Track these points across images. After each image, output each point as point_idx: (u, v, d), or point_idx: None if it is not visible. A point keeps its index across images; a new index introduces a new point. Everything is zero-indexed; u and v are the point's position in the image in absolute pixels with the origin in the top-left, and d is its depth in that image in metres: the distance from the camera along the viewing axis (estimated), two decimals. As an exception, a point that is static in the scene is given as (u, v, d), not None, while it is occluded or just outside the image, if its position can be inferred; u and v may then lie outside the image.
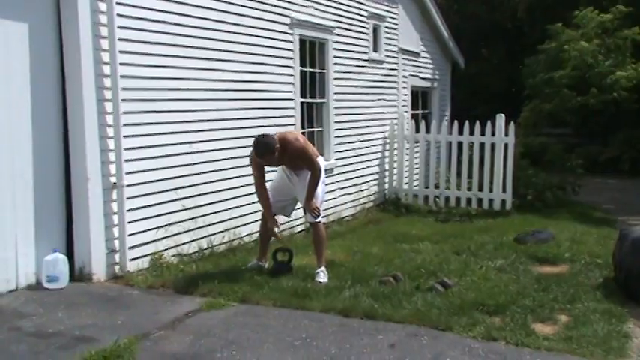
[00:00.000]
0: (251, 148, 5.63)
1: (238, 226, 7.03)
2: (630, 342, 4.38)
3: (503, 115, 10.00)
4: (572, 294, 5.37)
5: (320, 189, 5.83)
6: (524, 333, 4.36)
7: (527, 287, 5.54)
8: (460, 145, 10.28)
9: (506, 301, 5.03)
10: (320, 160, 5.90)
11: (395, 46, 11.26)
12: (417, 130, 10.70)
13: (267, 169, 5.81)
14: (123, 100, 5.62)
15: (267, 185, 5.89)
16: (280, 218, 6.24)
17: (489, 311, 4.83)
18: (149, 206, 6.00)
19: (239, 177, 6.91)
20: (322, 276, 5.69)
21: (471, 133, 10.14)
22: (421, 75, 12.72)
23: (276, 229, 5.89)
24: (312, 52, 8.73)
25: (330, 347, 4.09)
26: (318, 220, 5.80)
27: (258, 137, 5.59)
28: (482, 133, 10.03)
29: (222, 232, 6.91)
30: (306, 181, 5.72)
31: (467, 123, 10.21)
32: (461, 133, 10.27)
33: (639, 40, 14.03)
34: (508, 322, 4.57)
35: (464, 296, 5.14)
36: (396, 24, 11.28)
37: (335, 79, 9.15)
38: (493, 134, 9.93)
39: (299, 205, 6.03)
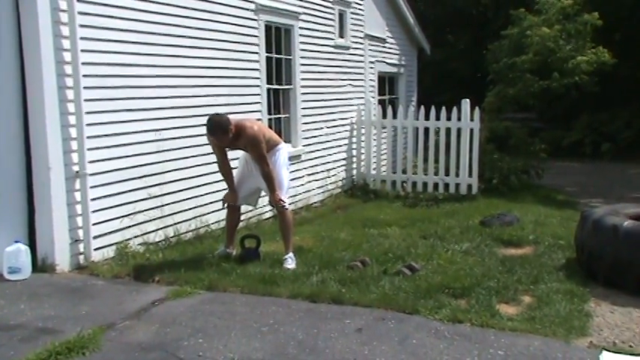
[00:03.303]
0: None
1: (205, 214, 6.98)
2: (591, 321, 4.48)
3: (468, 100, 10.08)
4: (536, 275, 5.47)
5: (284, 176, 5.85)
6: (489, 314, 4.43)
7: (492, 269, 5.62)
8: (427, 130, 10.34)
9: (472, 283, 5.10)
10: (283, 147, 5.93)
11: (361, 32, 11.25)
12: (384, 116, 10.73)
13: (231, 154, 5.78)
14: (85, 87, 5.52)
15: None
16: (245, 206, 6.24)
17: (455, 294, 4.90)
18: (114, 195, 5.92)
19: (206, 164, 6.85)
20: (290, 262, 5.69)
21: (438, 118, 10.21)
22: (388, 61, 12.75)
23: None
24: (278, 38, 8.67)
25: (298, 333, 4.09)
26: (284, 206, 5.79)
27: (212, 115, 5.64)
28: (449, 119, 10.10)
29: (189, 220, 6.86)
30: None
31: (433, 108, 10.27)
32: (427, 118, 10.32)
33: (599, 24, 14.25)
34: (473, 305, 4.64)
35: (430, 280, 5.19)
36: (362, 10, 11.26)
37: (301, 65, 9.11)
38: (459, 119, 10.01)
39: (264, 192, 6.01)
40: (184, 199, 6.78)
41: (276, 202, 5.76)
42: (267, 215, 8.00)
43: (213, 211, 6.92)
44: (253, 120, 6.09)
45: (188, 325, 4.22)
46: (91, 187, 5.63)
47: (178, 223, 6.69)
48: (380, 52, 12.26)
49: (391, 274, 5.38)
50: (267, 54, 8.27)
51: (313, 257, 5.94)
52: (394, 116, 10.66)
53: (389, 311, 4.49)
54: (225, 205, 5.97)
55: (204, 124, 6.81)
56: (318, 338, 4.01)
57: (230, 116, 5.66)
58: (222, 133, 5.50)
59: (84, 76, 5.50)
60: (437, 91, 18.57)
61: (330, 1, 10.03)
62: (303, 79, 9.15)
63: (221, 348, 3.86)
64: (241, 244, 5.91)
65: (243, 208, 6.26)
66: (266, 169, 5.67)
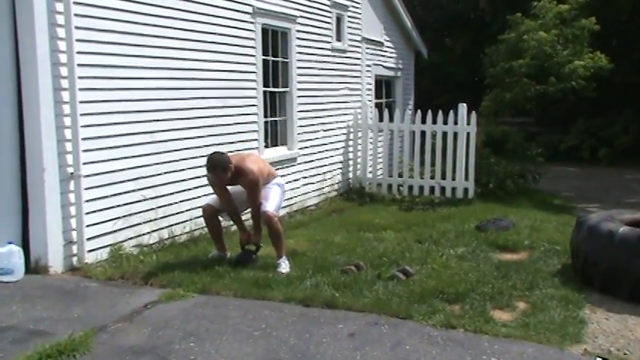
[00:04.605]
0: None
1: (200, 217, 6.90)
2: (586, 328, 4.47)
3: (465, 104, 10.08)
4: (531, 281, 5.45)
5: (277, 195, 5.91)
6: (483, 320, 4.41)
7: (487, 275, 5.60)
8: (423, 133, 10.34)
9: (466, 289, 5.08)
10: (278, 179, 6.03)
11: (358, 35, 11.25)
12: (381, 119, 10.72)
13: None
14: (80, 89, 5.50)
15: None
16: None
17: (449, 299, 4.88)
18: (108, 197, 5.90)
19: (201, 167, 6.81)
20: (284, 266, 5.68)
21: (434, 122, 10.20)
22: (385, 64, 12.74)
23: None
24: (274, 41, 8.65)
25: (290, 337, 4.07)
26: (271, 212, 5.77)
27: (212, 153, 5.65)
28: (445, 122, 10.10)
29: (183, 222, 6.84)
30: (263, 192, 5.80)
31: (429, 112, 10.26)
32: (424, 122, 10.31)
33: (596, 30, 14.27)
34: (467, 310, 4.62)
35: (424, 284, 5.18)
36: (360, 13, 11.26)
37: (298, 68, 9.10)
38: (456, 123, 10.01)
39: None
40: (179, 202, 6.76)
41: (255, 242, 5.86)
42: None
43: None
44: (253, 158, 6.02)
45: (180, 329, 4.20)
46: (86, 189, 5.61)
47: (173, 225, 6.68)
48: (377, 55, 12.25)
49: (385, 279, 5.37)
50: (263, 57, 8.26)
51: (307, 261, 5.92)
52: (391, 119, 10.65)
53: (382, 316, 4.48)
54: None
55: (199, 127, 6.89)
56: (310, 343, 3.99)
57: (230, 155, 5.69)
58: (222, 171, 5.51)
59: (79, 77, 5.48)
60: (434, 95, 18.58)
61: (327, 5, 10.02)
62: (299, 82, 9.14)
63: (212, 352, 3.84)
64: (242, 245, 5.89)
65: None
66: (256, 210, 5.73)
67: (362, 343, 4.00)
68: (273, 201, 5.83)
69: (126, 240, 6.07)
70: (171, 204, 6.67)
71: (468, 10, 21.56)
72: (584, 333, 4.35)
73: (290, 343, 4.00)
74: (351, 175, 10.94)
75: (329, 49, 10.13)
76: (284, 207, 8.44)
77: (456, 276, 5.46)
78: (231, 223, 6.55)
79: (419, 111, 10.47)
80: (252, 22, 7.98)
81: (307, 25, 9.36)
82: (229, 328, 4.22)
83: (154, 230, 6.44)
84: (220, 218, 5.97)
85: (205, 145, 6.93)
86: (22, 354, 3.74)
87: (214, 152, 5.71)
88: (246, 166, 5.60)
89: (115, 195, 5.96)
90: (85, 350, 3.82)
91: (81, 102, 5.50)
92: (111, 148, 5.90)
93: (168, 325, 4.26)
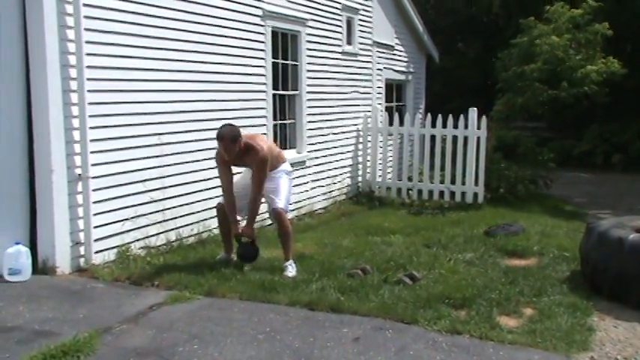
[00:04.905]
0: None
1: (208, 219, 6.94)
2: (594, 335, 4.42)
3: (475, 108, 10.03)
4: (539, 287, 5.40)
5: (286, 186, 5.85)
6: (489, 326, 4.37)
7: (495, 280, 5.55)
8: (433, 137, 10.30)
9: (473, 294, 5.04)
10: (286, 165, 5.97)
11: (369, 38, 11.23)
12: (391, 123, 10.70)
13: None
14: (89, 90, 5.52)
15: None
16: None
17: (455, 305, 4.84)
18: (116, 198, 5.91)
19: (208, 169, 6.83)
20: (291, 269, 5.66)
21: (444, 126, 10.16)
22: (395, 68, 12.72)
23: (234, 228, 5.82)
24: (284, 44, 8.66)
25: (294, 341, 4.06)
26: (281, 208, 5.76)
27: (223, 125, 5.63)
28: (455, 126, 10.05)
29: (191, 224, 6.84)
30: (273, 181, 5.76)
31: (439, 116, 10.22)
32: (434, 126, 10.27)
33: (609, 35, 14.16)
34: (473, 316, 4.58)
35: (431, 289, 5.14)
36: (371, 17, 11.24)
37: (308, 71, 9.09)
38: (466, 127, 9.96)
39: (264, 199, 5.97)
40: (187, 204, 6.77)
41: (248, 235, 5.73)
42: (270, 221, 7.96)
43: (215, 216, 6.86)
44: (263, 137, 6.04)
45: (185, 331, 4.20)
46: (93, 190, 5.63)
47: (180, 227, 6.68)
48: (388, 59, 12.23)
49: (392, 283, 5.34)
50: (273, 60, 8.26)
51: (314, 264, 5.90)
52: (401, 123, 10.62)
53: (387, 321, 4.45)
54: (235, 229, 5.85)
55: (207, 129, 6.89)
56: (315, 347, 3.97)
57: (242, 131, 5.67)
58: (232, 141, 5.48)
59: (88, 79, 5.50)
60: (447, 99, 18.51)
61: (338, 8, 10.02)
62: (309, 85, 9.14)
63: (216, 355, 3.83)
64: (238, 241, 5.85)
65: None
66: (256, 195, 5.65)
67: (366, 348, 3.97)
68: (283, 194, 5.78)
69: (133, 241, 6.09)
70: (179, 206, 6.67)
71: (481, 14, 21.46)
72: (591, 340, 4.30)
73: (294, 346, 3.98)
74: (360, 178, 10.91)
75: (339, 53, 10.12)
76: (292, 210, 8.45)
77: (463, 281, 5.42)
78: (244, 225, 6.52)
79: (429, 115, 10.43)
80: (262, 25, 7.99)
81: (317, 28, 9.36)
82: (234, 331, 4.21)
83: (162, 232, 6.45)
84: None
85: (214, 148, 6.91)
86: (26, 354, 3.75)
87: (225, 124, 5.67)
88: (257, 143, 5.61)
89: (122, 196, 5.97)
90: (89, 351, 3.83)
91: (89, 103, 5.52)
92: (119, 149, 5.92)
93: (172, 327, 4.26)
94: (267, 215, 7.66)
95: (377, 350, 3.95)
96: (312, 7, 9.20)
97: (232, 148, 5.50)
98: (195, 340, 4.03)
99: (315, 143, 9.42)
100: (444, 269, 5.85)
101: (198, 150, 6.86)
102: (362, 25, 10.88)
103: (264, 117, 8.08)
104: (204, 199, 6.95)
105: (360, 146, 10.85)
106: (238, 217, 5.87)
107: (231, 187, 5.75)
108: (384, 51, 12.01)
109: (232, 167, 5.80)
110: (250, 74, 7.80)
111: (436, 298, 4.91)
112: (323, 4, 9.53)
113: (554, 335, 4.28)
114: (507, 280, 5.57)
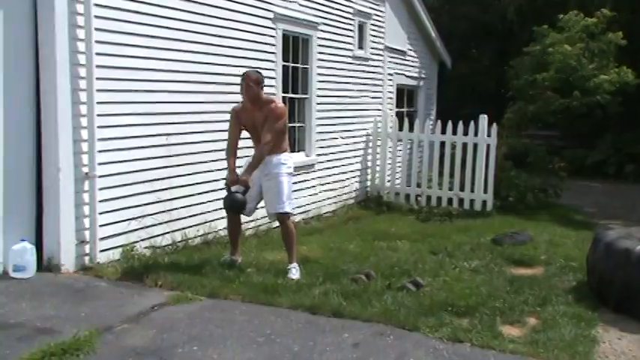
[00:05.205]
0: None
1: (214, 220, 6.95)
2: (597, 347, 4.37)
3: (485, 115, 9.99)
4: (544, 297, 5.35)
5: (287, 188, 5.81)
6: (491, 335, 4.33)
7: (499, 289, 5.51)
8: (443, 144, 10.26)
9: (476, 302, 5.00)
10: (287, 155, 5.90)
11: (381, 43, 11.22)
12: (401, 128, 10.67)
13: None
14: (98, 90, 5.55)
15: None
16: (256, 213, 6.18)
17: (458, 312, 4.81)
18: (122, 197, 5.93)
19: (216, 170, 6.85)
20: (294, 272, 5.65)
21: (454, 132, 10.12)
22: (407, 73, 12.69)
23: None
24: (295, 47, 8.67)
25: (294, 345, 4.05)
26: (286, 212, 5.76)
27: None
28: (466, 133, 10.01)
29: (197, 225, 6.85)
30: (273, 180, 5.73)
31: (449, 123, 10.18)
32: (444, 132, 10.24)
33: (623, 44, 14.05)
34: (476, 324, 4.54)
35: (434, 297, 5.11)
36: (383, 22, 11.23)
37: (318, 74, 9.09)
38: (476, 134, 9.92)
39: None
40: (193, 205, 6.78)
41: (242, 183, 5.61)
42: (277, 224, 7.94)
43: (221, 217, 6.87)
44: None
45: (185, 332, 4.20)
46: (100, 189, 5.65)
47: (186, 228, 6.69)
48: (399, 64, 12.21)
49: (395, 289, 5.31)
50: (283, 63, 8.27)
51: (318, 268, 5.90)
52: (410, 129, 10.60)
53: (389, 327, 4.42)
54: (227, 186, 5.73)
55: (215, 131, 6.90)
56: (314, 351, 3.96)
57: None
58: (254, 82, 5.62)
59: (97, 78, 5.53)
60: (459, 105, 18.37)
61: (350, 13, 10.02)
62: (319, 88, 9.13)
63: (215, 357, 3.83)
64: (227, 190, 5.70)
65: (252, 215, 6.20)
66: (263, 147, 5.61)
67: (365, 353, 3.95)
68: (285, 197, 5.74)
69: (138, 241, 6.10)
70: (185, 206, 6.68)
71: (495, 21, 21.35)
72: (594, 352, 4.25)
73: (293, 350, 3.97)
74: (369, 183, 10.89)
75: (350, 57, 10.11)
76: (300, 213, 8.45)
77: (467, 289, 5.38)
78: (250, 226, 6.52)
79: (439, 121, 10.40)
80: (273, 28, 8.00)
81: (329, 32, 9.36)
82: (234, 333, 4.20)
83: (167, 232, 6.46)
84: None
85: (222, 150, 6.92)
86: (27, 351, 3.76)
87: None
88: (276, 100, 5.91)
89: (129, 196, 5.99)
90: (89, 350, 3.84)
91: (98, 103, 5.55)
92: (126, 149, 5.94)
93: (173, 328, 4.26)
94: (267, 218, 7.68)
95: (376, 356, 3.93)
96: (324, 12, 9.20)
97: (251, 90, 5.61)
98: (195, 342, 4.03)
99: (324, 147, 9.41)
100: (448, 277, 5.82)
101: (206, 151, 6.87)
102: (374, 30, 10.87)
103: (273, 120, 8.06)
104: (210, 200, 6.95)
105: (370, 151, 10.83)
106: (249, 218, 5.95)
107: (235, 145, 5.83)
108: (396, 56, 11.98)
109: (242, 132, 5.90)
110: (260, 77, 7.79)
111: (439, 306, 4.88)
112: (335, 9, 9.52)
113: (557, 346, 4.24)
114: (512, 289, 5.54)
